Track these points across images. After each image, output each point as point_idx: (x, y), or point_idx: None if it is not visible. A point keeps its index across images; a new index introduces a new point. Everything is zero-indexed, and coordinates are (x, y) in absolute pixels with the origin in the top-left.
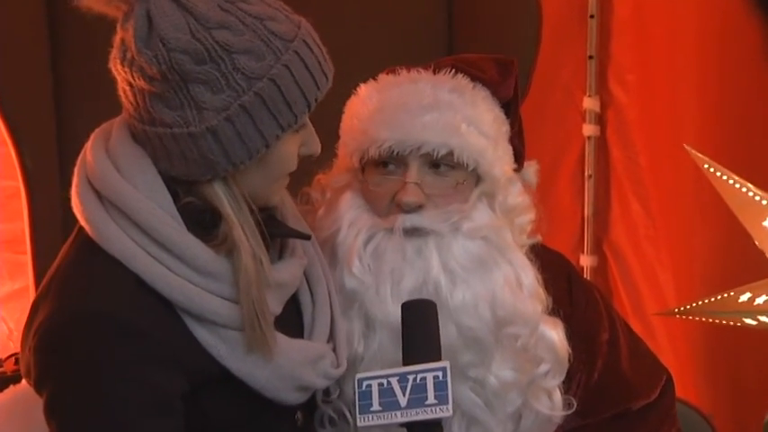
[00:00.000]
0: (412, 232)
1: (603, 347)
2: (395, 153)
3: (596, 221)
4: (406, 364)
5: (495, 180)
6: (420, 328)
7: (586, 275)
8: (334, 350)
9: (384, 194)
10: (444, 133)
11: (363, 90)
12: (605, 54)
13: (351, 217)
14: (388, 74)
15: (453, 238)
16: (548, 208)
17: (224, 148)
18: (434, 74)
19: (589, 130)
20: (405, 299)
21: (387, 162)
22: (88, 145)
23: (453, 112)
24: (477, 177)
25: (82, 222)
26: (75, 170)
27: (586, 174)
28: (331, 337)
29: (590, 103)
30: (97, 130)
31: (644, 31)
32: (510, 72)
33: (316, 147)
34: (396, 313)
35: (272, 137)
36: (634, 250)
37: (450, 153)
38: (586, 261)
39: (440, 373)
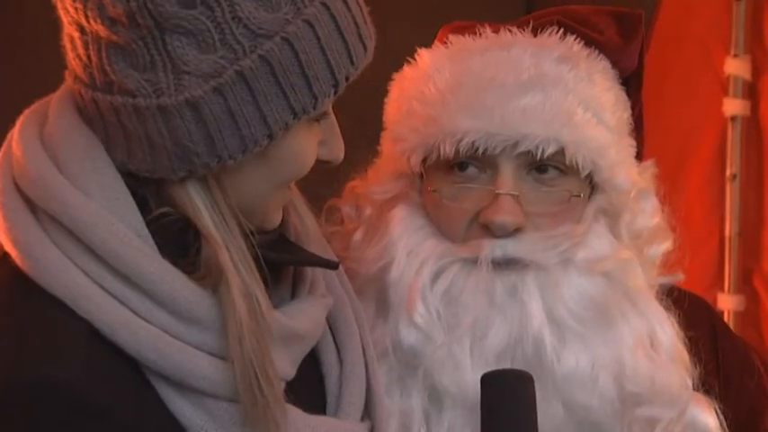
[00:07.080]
0: (504, 265)
1: None
2: (479, 151)
3: (743, 245)
4: None
5: (620, 192)
6: (507, 416)
7: (729, 324)
8: None
9: (463, 211)
10: (554, 122)
11: (427, 58)
12: None
13: (409, 243)
14: (462, 34)
15: (563, 273)
16: (669, 224)
17: (208, 131)
18: (534, 35)
19: (734, 107)
20: (490, 361)
21: (465, 164)
22: (14, 132)
23: (564, 92)
24: (590, 187)
25: (6, 246)
26: None
27: (728, 173)
28: (367, 413)
29: (736, 67)
30: (27, 112)
31: None
32: (636, 32)
33: (338, 151)
34: (477, 384)
35: (279, 124)
36: None
37: (560, 151)
38: (728, 303)
39: None
